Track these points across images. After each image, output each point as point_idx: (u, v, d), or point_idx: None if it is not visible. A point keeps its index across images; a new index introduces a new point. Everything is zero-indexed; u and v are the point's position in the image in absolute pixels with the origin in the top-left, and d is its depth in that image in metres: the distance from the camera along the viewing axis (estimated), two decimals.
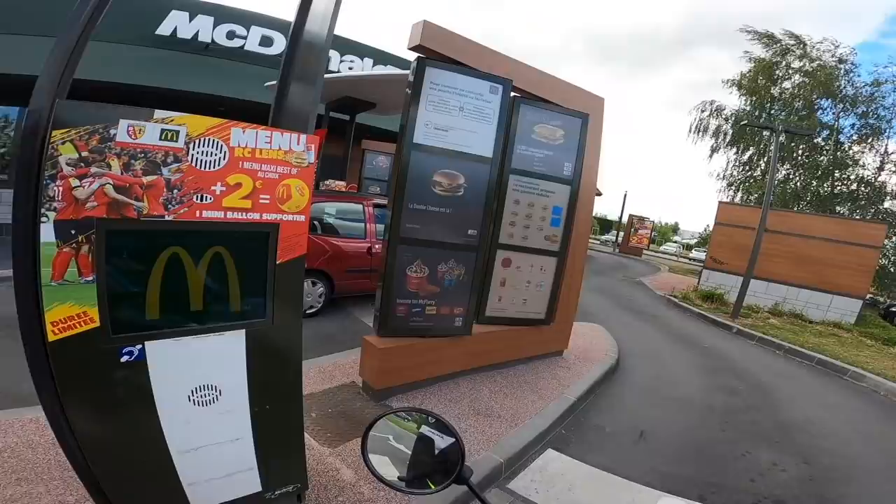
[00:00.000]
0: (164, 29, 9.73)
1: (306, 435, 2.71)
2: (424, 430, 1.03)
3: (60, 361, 1.27)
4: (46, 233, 1.19)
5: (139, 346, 1.37)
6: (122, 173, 1.27)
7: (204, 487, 1.61)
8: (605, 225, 42.88)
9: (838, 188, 15.54)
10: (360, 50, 12.13)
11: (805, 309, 10.39)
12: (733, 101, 17.24)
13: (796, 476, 3.27)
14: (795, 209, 14.71)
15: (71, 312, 1.25)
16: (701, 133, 17.94)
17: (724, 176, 17.75)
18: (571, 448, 3.25)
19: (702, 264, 13.41)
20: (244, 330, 1.55)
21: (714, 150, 17.84)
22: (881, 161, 15.12)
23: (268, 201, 1.51)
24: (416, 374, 3.61)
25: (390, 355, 3.39)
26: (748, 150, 17.01)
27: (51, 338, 1.23)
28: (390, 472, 1.02)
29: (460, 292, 3.68)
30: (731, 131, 17.18)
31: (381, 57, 12.43)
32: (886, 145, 15.05)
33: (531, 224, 4.14)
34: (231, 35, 10.45)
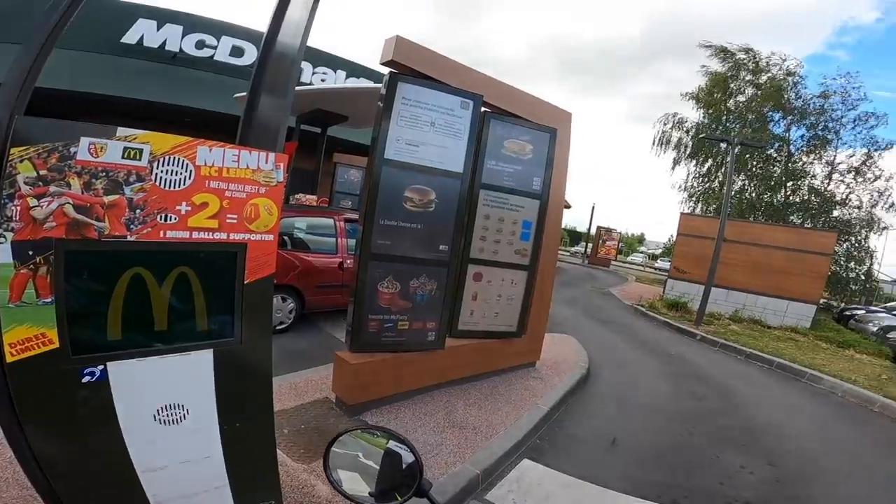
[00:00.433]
0: (129, 37, 9.51)
1: (279, 451, 2.65)
2: (392, 445, 1.05)
3: (18, 382, 1.24)
4: (3, 254, 1.16)
5: (101, 367, 1.34)
6: (82, 192, 1.25)
7: None
8: (574, 237, 43.82)
9: (791, 198, 16.37)
10: (334, 62, 12.13)
11: (763, 315, 10.88)
12: (694, 114, 18.01)
13: (763, 478, 3.40)
14: (752, 219, 15.38)
15: (29, 334, 1.22)
16: (664, 145, 18.66)
17: (685, 187, 18.44)
18: (547, 457, 3.30)
19: (667, 274, 13.84)
20: (212, 349, 1.54)
21: (676, 161, 18.57)
22: (830, 171, 16.08)
23: (235, 221, 1.50)
24: (389, 388, 3.59)
25: (363, 371, 3.37)
26: (707, 162, 17.74)
27: (9, 359, 1.21)
28: (361, 487, 1.04)
29: (432, 307, 3.71)
30: (691, 143, 17.91)
31: (354, 69, 12.46)
32: (834, 156, 16.03)
33: (501, 238, 4.22)
34: (200, 45, 10.29)
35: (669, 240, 29.04)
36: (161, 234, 1.38)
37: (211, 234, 1.46)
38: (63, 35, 1.30)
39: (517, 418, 3.67)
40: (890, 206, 15.23)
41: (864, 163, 15.46)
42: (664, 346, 7.63)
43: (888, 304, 17.14)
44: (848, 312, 14.09)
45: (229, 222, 1.49)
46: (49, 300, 1.23)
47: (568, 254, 33.69)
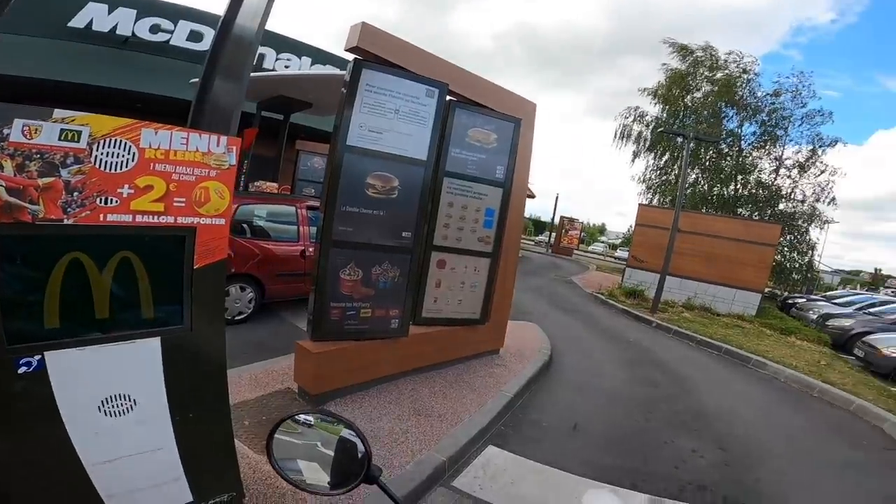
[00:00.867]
0: (78, 21, 8.99)
1: (240, 443, 2.61)
2: (345, 433, 1.05)
3: None
4: None
5: (38, 357, 1.29)
6: (14, 175, 1.19)
7: (127, 499, 1.53)
8: (538, 226, 44.45)
9: (740, 191, 17.17)
10: (298, 48, 11.74)
11: (713, 303, 11.42)
12: (654, 109, 18.54)
13: (714, 462, 3.58)
14: (704, 211, 16.08)
15: None
16: (625, 139, 19.13)
17: (643, 179, 18.97)
18: (511, 444, 3.37)
19: (626, 263, 14.31)
20: (159, 337, 1.49)
21: (636, 154, 19.07)
22: (777, 165, 16.97)
23: (183, 204, 1.45)
24: (353, 377, 3.58)
25: (326, 359, 3.34)
26: (664, 155, 18.30)
27: None
28: (319, 476, 1.03)
29: (395, 294, 3.71)
30: (650, 137, 18.48)
31: (319, 56, 12.09)
32: (782, 151, 16.92)
33: (465, 226, 4.25)
34: (155, 29, 9.80)
35: (628, 230, 29.96)
36: (101, 218, 1.32)
37: (156, 217, 1.41)
38: (5, 18, 1.23)
39: (482, 405, 3.73)
40: (830, 201, 16.24)
41: (808, 159, 16.36)
42: (622, 332, 7.92)
43: (827, 294, 18.42)
44: (790, 301, 14.92)
45: (177, 206, 1.44)
46: None
47: (532, 243, 34.20)
